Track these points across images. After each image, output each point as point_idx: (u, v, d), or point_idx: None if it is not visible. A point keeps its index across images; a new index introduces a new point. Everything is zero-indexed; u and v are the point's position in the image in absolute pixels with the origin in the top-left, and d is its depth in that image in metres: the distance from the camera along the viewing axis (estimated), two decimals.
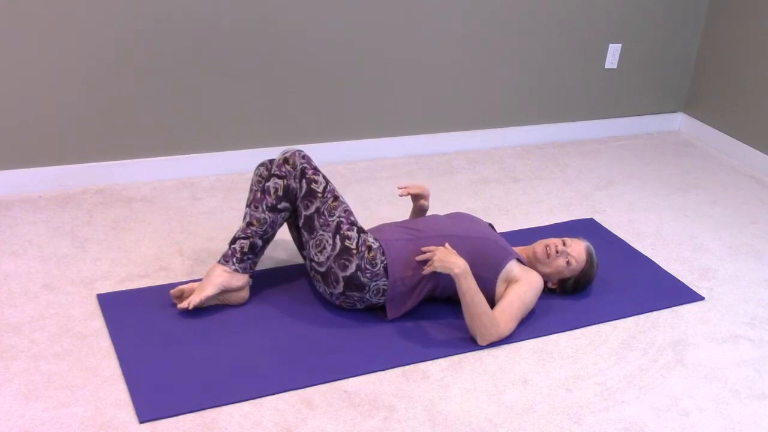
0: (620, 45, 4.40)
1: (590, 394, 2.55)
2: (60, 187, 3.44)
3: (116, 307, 2.71)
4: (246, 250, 2.73)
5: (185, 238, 3.16)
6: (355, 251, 2.68)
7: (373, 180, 3.81)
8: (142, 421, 2.25)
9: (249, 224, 2.75)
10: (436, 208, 3.59)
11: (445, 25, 3.92)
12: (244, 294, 2.77)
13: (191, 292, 2.73)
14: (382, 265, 2.69)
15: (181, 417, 2.29)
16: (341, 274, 2.68)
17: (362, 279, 2.68)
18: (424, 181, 3.85)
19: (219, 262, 2.73)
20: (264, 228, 2.74)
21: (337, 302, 2.77)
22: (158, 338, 2.58)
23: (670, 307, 3.05)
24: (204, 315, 2.71)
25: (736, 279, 3.29)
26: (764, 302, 3.15)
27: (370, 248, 2.70)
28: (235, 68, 3.56)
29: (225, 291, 2.72)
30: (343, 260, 2.68)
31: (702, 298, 3.13)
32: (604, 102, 4.53)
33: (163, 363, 2.47)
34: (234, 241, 2.75)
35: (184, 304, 2.67)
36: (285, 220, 2.82)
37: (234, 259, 2.72)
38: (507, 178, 3.98)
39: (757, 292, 3.22)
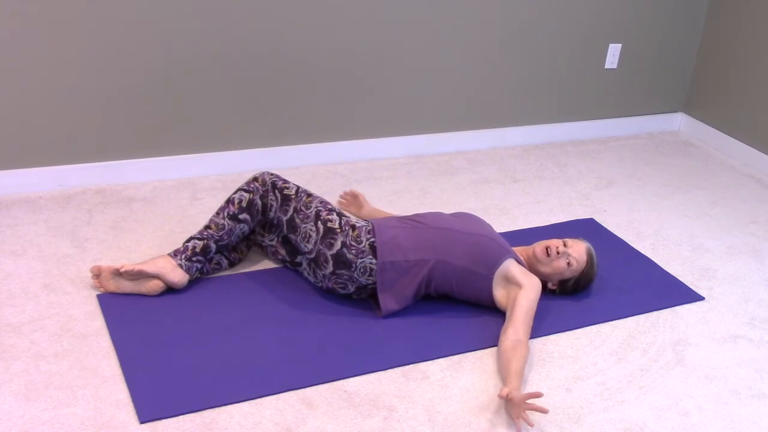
0: (620, 45, 4.40)
1: (590, 394, 2.55)
2: (60, 187, 3.44)
3: (116, 307, 2.71)
4: (198, 251, 2.82)
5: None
6: (338, 230, 2.76)
7: (373, 180, 3.81)
8: (142, 422, 2.25)
9: (207, 227, 2.86)
10: (436, 208, 3.60)
11: (445, 25, 3.92)
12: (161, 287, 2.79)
13: (108, 272, 2.76)
14: (368, 242, 2.74)
15: (181, 417, 2.29)
16: (329, 253, 2.74)
17: (348, 255, 2.72)
18: (424, 181, 3.85)
19: (168, 254, 2.81)
20: (220, 234, 2.84)
21: (330, 284, 2.80)
22: (158, 338, 2.58)
23: (670, 307, 3.05)
24: (204, 315, 2.71)
25: (736, 279, 3.29)
26: (764, 302, 3.15)
27: (353, 227, 2.78)
28: (235, 68, 3.56)
29: (160, 278, 2.75)
30: (328, 239, 2.74)
31: (702, 298, 3.13)
32: (604, 102, 4.53)
33: (163, 363, 2.48)
34: (188, 240, 2.84)
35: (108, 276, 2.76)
36: (243, 234, 2.91)
37: (183, 256, 2.80)
38: (507, 178, 3.98)
39: (757, 292, 3.22)
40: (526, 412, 2.32)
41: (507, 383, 2.41)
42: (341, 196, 3.36)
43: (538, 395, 2.29)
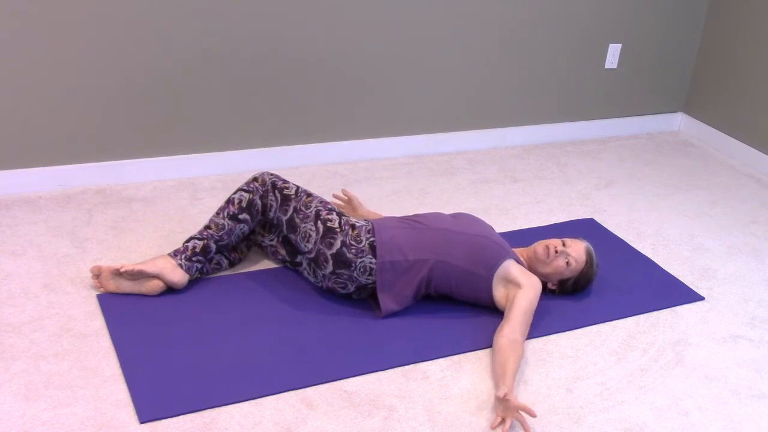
0: (620, 45, 4.40)
1: (590, 394, 2.55)
2: (60, 187, 3.44)
3: (116, 307, 2.71)
4: (198, 251, 2.82)
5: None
6: (338, 230, 2.76)
7: (373, 180, 3.81)
8: (142, 422, 2.25)
9: (207, 227, 2.87)
10: (436, 208, 3.60)
11: (445, 25, 3.92)
12: (161, 287, 2.79)
13: (108, 272, 2.77)
14: (368, 242, 2.75)
15: (181, 417, 2.29)
16: (329, 252, 2.74)
17: (348, 255, 2.72)
18: (424, 181, 3.85)
19: (168, 254, 2.81)
20: (220, 234, 2.85)
21: (329, 284, 2.81)
22: (158, 338, 2.58)
23: (670, 307, 3.05)
24: (204, 315, 2.71)
25: (736, 279, 3.29)
26: (764, 302, 3.15)
27: (353, 227, 2.78)
28: (235, 68, 3.56)
29: (160, 278, 2.76)
30: (328, 239, 2.75)
31: (702, 298, 3.13)
32: (604, 102, 4.53)
33: (163, 363, 2.48)
34: (188, 240, 2.85)
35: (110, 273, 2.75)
36: (243, 234, 2.91)
37: (183, 256, 2.80)
38: (507, 178, 3.98)
39: (757, 292, 3.22)
40: (510, 420, 2.33)
41: (504, 383, 2.41)
42: (335, 196, 3.29)
43: (532, 414, 2.29)
